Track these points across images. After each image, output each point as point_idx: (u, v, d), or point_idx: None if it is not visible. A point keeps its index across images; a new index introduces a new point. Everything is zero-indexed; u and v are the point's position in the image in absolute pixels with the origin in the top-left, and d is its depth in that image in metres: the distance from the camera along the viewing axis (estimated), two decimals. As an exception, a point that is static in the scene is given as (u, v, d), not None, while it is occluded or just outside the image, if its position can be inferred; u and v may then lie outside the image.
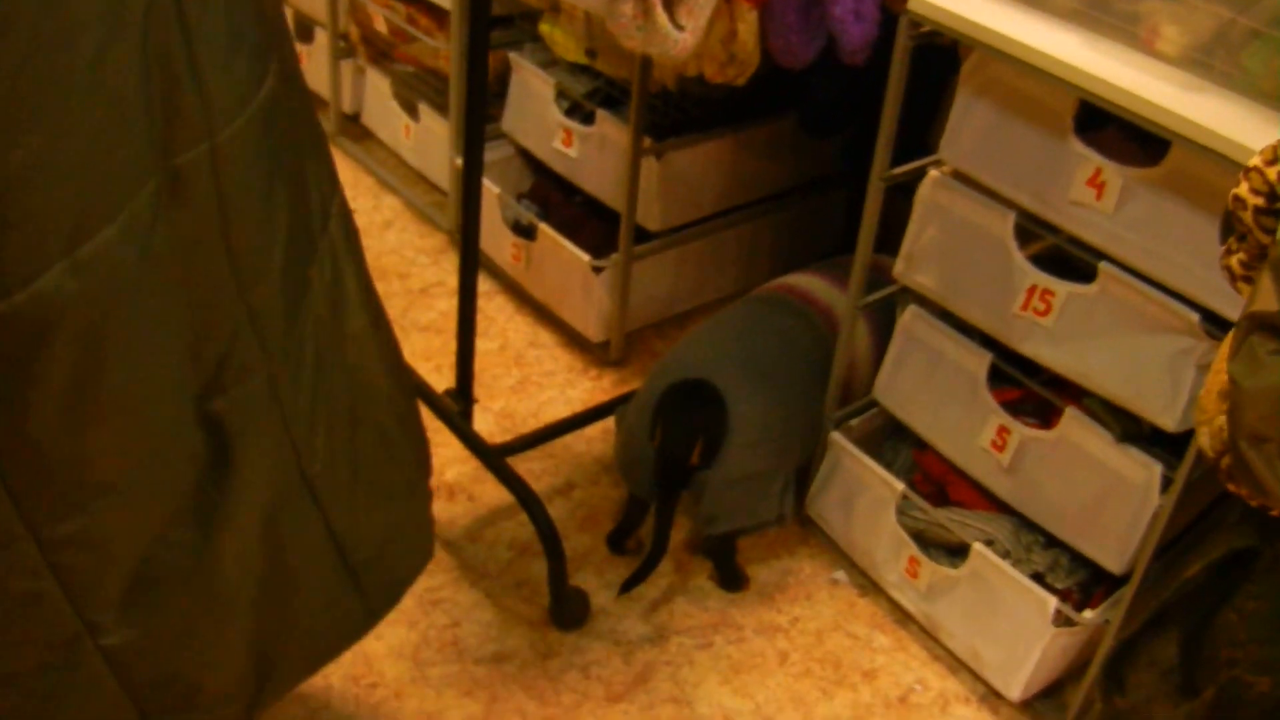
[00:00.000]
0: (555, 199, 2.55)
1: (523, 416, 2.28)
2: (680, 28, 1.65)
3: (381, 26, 2.76)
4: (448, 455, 2.15)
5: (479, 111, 1.71)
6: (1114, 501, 1.63)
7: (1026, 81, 1.59)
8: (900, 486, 1.85)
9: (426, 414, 2.19)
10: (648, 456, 1.84)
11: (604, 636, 1.88)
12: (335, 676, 1.78)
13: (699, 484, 1.83)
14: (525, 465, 2.15)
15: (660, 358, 1.87)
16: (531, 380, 2.37)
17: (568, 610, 1.87)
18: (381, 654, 1.83)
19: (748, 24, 1.77)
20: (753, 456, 1.83)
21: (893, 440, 2.01)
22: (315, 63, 3.05)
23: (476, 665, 1.83)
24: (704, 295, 2.52)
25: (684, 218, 2.37)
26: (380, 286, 2.52)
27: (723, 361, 1.86)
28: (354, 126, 3.08)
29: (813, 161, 2.50)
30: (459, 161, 2.55)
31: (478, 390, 2.31)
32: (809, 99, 2.35)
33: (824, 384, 1.94)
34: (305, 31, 3.06)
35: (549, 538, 1.82)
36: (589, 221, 2.47)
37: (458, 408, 1.93)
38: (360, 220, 2.76)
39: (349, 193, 2.86)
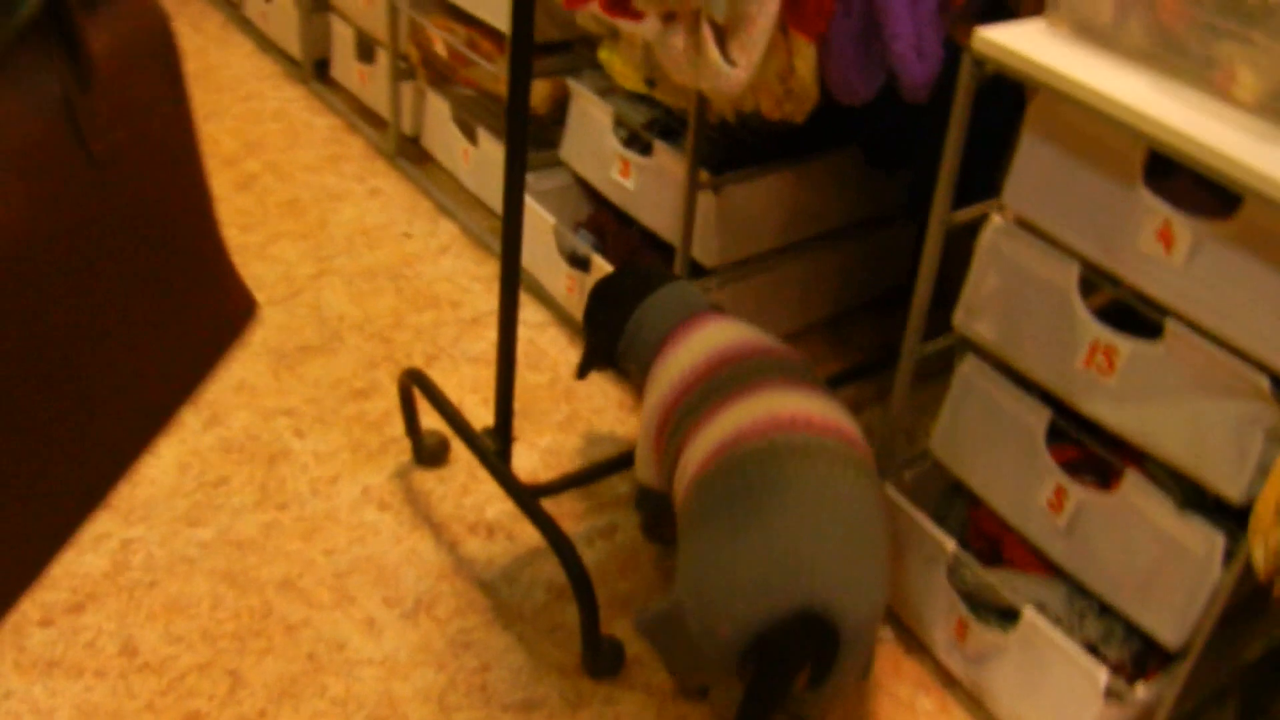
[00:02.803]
0: (613, 229, 2.50)
1: (569, 454, 2.22)
2: (732, 63, 1.59)
3: (441, 50, 2.72)
4: (488, 492, 2.10)
5: (519, 140, 1.66)
6: (1173, 571, 1.54)
7: (1094, 126, 1.51)
8: (951, 545, 1.77)
9: (467, 452, 2.15)
10: (720, 672, 1.50)
11: (637, 688, 1.82)
12: (358, 718, 1.73)
13: (799, 699, 1.57)
14: (568, 505, 2.09)
15: (713, 563, 1.46)
16: (580, 416, 2.31)
17: (600, 659, 1.81)
18: (408, 696, 1.77)
19: (805, 59, 1.71)
20: (864, 654, 1.52)
21: (949, 493, 1.93)
22: (376, 83, 3.02)
23: (504, 712, 1.76)
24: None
25: (741, 253, 2.30)
26: (430, 314, 2.51)
27: (815, 573, 1.43)
28: (413, 148, 3.04)
29: (878, 196, 2.43)
30: (514, 189, 2.51)
31: (524, 425, 2.26)
32: (874, 130, 2.27)
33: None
34: (367, 51, 3.04)
35: (580, 584, 1.76)
36: (646, 254, 2.41)
37: (495, 447, 1.88)
38: (416, 245, 2.73)
39: (406, 216, 2.83)
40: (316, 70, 3.38)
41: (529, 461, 2.19)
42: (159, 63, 1.04)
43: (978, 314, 1.73)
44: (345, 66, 3.19)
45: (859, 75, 1.70)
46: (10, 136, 0.89)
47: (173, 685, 1.77)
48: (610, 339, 1.83)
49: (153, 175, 1.04)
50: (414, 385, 2.06)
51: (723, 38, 1.59)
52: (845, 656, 1.45)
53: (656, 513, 1.90)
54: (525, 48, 1.57)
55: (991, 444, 1.75)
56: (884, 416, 1.86)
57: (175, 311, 1.11)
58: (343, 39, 3.15)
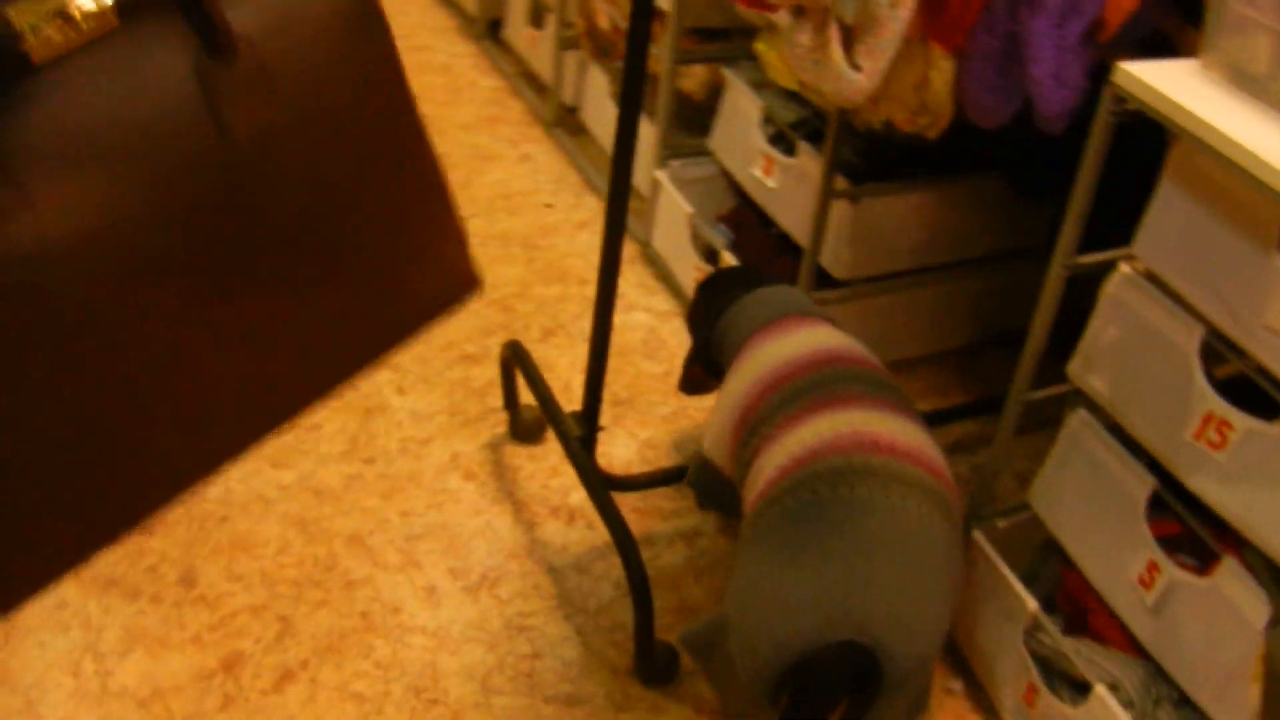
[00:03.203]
0: (751, 227, 2.43)
1: (667, 449, 2.16)
2: (857, 68, 1.51)
3: (604, 23, 2.68)
4: (573, 478, 2.05)
5: (632, 120, 1.59)
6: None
7: (1235, 182, 1.39)
8: (1033, 606, 1.67)
9: (551, 436, 2.10)
10: (756, 694, 1.40)
11: (686, 701, 1.76)
12: (397, 685, 1.70)
13: None
14: (655, 502, 2.04)
15: (764, 579, 1.38)
16: (686, 414, 2.25)
17: (652, 665, 1.75)
18: (452, 670, 1.74)
19: (942, 72, 1.62)
20: (910, 697, 1.43)
21: (1046, 548, 1.82)
22: (543, 49, 3.00)
23: (545, 703, 1.72)
24: (885, 353, 2.34)
25: (875, 269, 2.21)
26: (557, 289, 2.47)
27: (868, 604, 1.33)
28: (571, 119, 3.01)
29: (1023, 227, 2.31)
30: (657, 174, 2.46)
31: (628, 414, 2.21)
32: (1023, 156, 2.16)
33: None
34: (538, 15, 3.01)
35: (639, 585, 1.70)
36: (780, 257, 2.34)
37: (579, 433, 1.83)
38: (556, 216, 2.69)
39: (554, 184, 2.80)
40: (490, 29, 3.37)
41: (625, 451, 2.14)
42: (342, 27, 0.99)
43: (1094, 366, 1.62)
44: (516, 28, 3.17)
45: (993, 97, 1.60)
46: (129, 116, 0.85)
47: (223, 621, 1.77)
48: (705, 334, 1.76)
49: (335, 149, 0.99)
50: (514, 358, 2.02)
51: (850, 40, 1.51)
52: (887, 695, 1.34)
53: (712, 493, 1.79)
54: (644, 23, 1.51)
55: (1091, 505, 1.65)
56: (987, 458, 1.76)
57: (374, 287, 1.06)
58: (517, 1, 3.13)
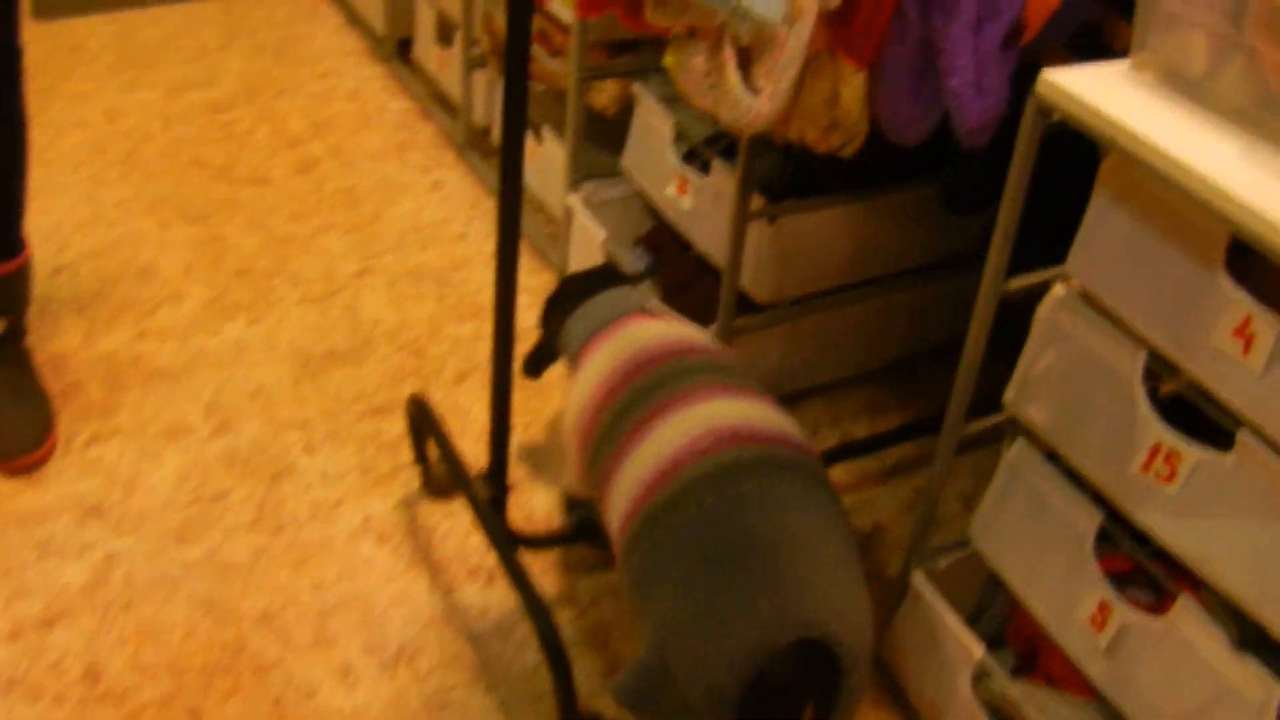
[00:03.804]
0: (671, 249, 2.31)
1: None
2: (756, 91, 1.39)
3: (507, 41, 2.55)
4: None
5: (516, 141, 1.46)
6: (1221, 716, 1.32)
7: (1173, 195, 1.28)
8: (979, 653, 1.57)
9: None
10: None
11: (621, 771, 1.65)
12: (309, 781, 1.58)
13: None
14: (576, 555, 1.92)
15: (691, 608, 1.30)
16: (612, 449, 2.13)
17: (580, 736, 1.64)
18: (370, 758, 1.62)
19: (851, 87, 1.50)
20: (863, 680, 1.35)
21: (993, 582, 1.72)
22: (450, 69, 2.87)
23: (471, 787, 1.61)
24: (817, 376, 2.25)
25: (799, 290, 2.10)
26: (471, 326, 2.34)
27: (804, 599, 1.29)
28: (485, 141, 2.88)
29: (955, 235, 2.20)
30: (570, 198, 2.34)
31: (549, 461, 2.09)
32: (953, 171, 2.05)
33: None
34: (446, 34, 2.88)
35: (553, 651, 1.58)
36: (701, 280, 2.22)
37: (487, 494, 1.71)
38: (469, 247, 2.57)
39: (466, 212, 2.67)
40: (399, 49, 3.24)
41: (547, 500, 2.02)
42: None
43: (1031, 395, 1.51)
44: (426, 47, 3.04)
45: (909, 111, 1.49)
46: None
47: (131, 718, 1.64)
48: (551, 334, 1.75)
49: None
50: (419, 416, 1.90)
51: (748, 61, 1.40)
52: (848, 683, 1.30)
53: (589, 516, 1.76)
54: (523, 40, 1.40)
55: (1035, 541, 1.54)
56: (923, 496, 1.66)
57: None
58: (425, 19, 3.00)
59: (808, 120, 1.59)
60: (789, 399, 2.23)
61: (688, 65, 1.41)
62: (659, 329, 1.60)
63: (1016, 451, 1.56)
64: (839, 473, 2.10)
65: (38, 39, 3.21)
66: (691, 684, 1.28)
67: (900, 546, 1.99)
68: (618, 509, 1.44)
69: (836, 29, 1.47)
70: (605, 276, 1.76)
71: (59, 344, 2.24)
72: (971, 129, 1.46)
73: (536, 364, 1.84)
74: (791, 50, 1.37)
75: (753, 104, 1.38)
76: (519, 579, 1.64)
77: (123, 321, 2.31)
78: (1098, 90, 1.31)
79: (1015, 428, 1.57)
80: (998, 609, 1.70)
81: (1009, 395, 1.54)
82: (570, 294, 1.74)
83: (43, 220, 2.57)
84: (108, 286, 2.39)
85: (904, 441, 2.15)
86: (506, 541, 1.70)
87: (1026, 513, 1.55)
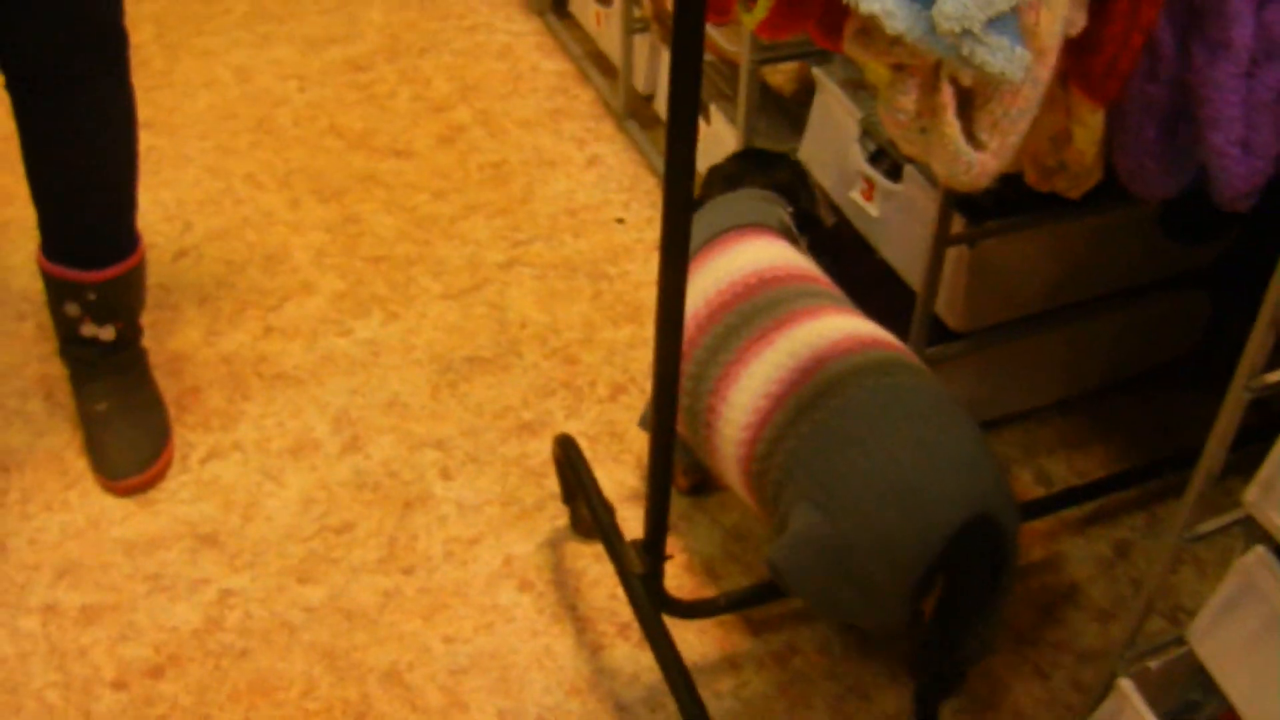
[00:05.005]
0: (852, 250, 2.07)
1: (759, 538, 1.84)
2: (980, 145, 1.16)
3: (670, 4, 2.32)
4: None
5: (688, 136, 1.21)
6: None
7: None
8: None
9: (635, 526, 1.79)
10: (897, 607, 1.38)
11: None
12: None
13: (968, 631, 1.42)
14: (737, 615, 1.72)
15: (872, 484, 1.34)
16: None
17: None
18: None
19: (1087, 128, 1.26)
20: (1018, 561, 1.44)
21: (1205, 684, 1.48)
22: (610, 30, 2.65)
23: None
24: (1011, 405, 2.01)
25: (996, 317, 1.85)
26: (628, 330, 2.16)
27: (975, 478, 1.37)
28: (647, 109, 2.66)
29: (1169, 254, 1.93)
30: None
31: (714, 492, 1.89)
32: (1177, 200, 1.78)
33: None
34: (606, -8, 2.66)
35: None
36: (883, 286, 1.98)
37: (640, 569, 1.50)
38: (628, 235, 2.36)
39: (623, 195, 2.46)
40: (555, 1, 3.02)
41: (708, 545, 1.82)
42: None
43: (1278, 496, 1.27)
44: (583, 2, 2.82)
45: (1157, 165, 1.24)
46: None
47: (236, 793, 1.51)
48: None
49: None
50: (566, 460, 1.71)
51: (969, 107, 1.16)
52: (1011, 561, 1.39)
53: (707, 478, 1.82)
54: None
55: (1266, 658, 1.31)
56: (1140, 585, 1.43)
57: None
58: (583, -31, 2.78)
59: (1030, 158, 1.35)
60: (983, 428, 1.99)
61: (894, 104, 1.18)
62: (777, 253, 1.62)
63: (1255, 558, 1.32)
64: (1035, 520, 1.87)
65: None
66: (872, 558, 1.33)
67: (1097, 612, 1.76)
68: (742, 411, 1.45)
69: (1075, 57, 1.22)
70: (746, 169, 1.82)
71: (179, 341, 2.10)
72: (1235, 195, 1.20)
73: None
74: (1026, 100, 1.13)
75: (974, 159, 1.15)
76: (657, 639, 1.47)
77: (247, 316, 2.15)
78: None
79: (1253, 530, 1.32)
80: (1207, 716, 1.48)
81: (1250, 494, 1.30)
82: (713, 181, 1.83)
83: (166, 196, 2.42)
84: (233, 274, 2.24)
85: (1111, 493, 1.90)
86: (658, 618, 1.51)
87: (1259, 626, 1.32)
